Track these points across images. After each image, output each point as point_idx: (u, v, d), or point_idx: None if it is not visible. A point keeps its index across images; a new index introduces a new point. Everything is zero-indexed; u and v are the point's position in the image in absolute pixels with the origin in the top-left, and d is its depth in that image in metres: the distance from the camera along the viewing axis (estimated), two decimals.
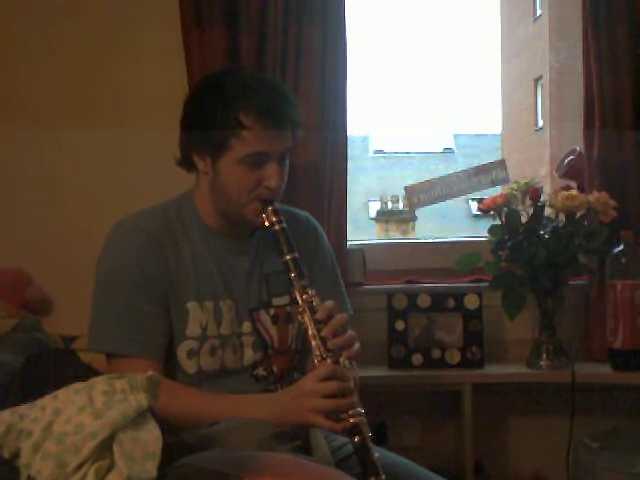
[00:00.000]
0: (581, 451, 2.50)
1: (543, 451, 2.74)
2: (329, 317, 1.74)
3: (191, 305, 1.87)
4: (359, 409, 1.68)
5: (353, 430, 1.67)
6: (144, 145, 2.67)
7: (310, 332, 1.74)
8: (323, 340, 1.73)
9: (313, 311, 1.75)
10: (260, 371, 1.92)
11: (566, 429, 2.57)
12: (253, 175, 1.82)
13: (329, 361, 1.72)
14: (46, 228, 2.77)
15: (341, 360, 1.73)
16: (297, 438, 1.65)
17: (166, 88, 2.71)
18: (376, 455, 1.66)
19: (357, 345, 1.78)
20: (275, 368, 1.94)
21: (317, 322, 1.74)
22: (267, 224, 1.83)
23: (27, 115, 2.81)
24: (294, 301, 1.80)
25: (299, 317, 1.78)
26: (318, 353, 1.73)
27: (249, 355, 1.91)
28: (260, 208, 1.84)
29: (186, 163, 1.91)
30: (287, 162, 1.89)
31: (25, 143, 2.77)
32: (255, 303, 1.94)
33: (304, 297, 1.76)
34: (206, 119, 1.83)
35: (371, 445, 1.66)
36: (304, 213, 2.12)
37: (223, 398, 1.81)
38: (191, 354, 1.86)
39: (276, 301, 1.96)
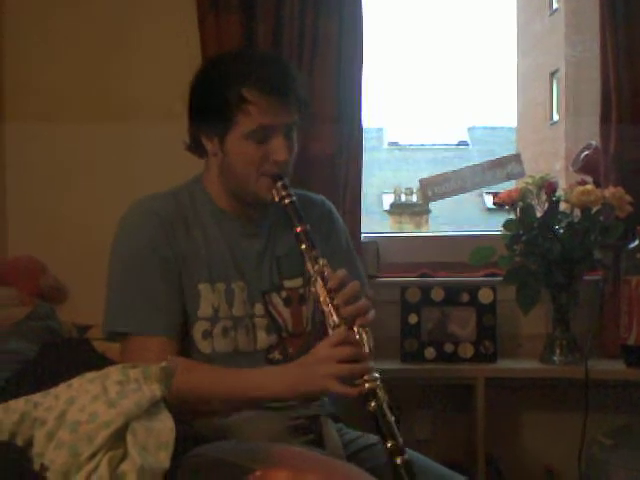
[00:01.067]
0: (594, 448, 2.48)
1: (555, 447, 2.74)
2: (341, 285, 1.72)
3: (203, 286, 1.87)
4: (375, 374, 1.65)
5: (368, 395, 1.63)
6: (156, 133, 2.68)
7: (322, 299, 1.72)
8: (336, 308, 1.70)
9: (325, 280, 1.73)
10: (276, 355, 1.91)
11: (579, 425, 2.55)
12: (260, 150, 1.81)
13: (342, 328, 1.70)
14: (60, 217, 2.79)
15: (355, 328, 1.70)
16: (310, 432, 1.65)
17: (181, 74, 2.71)
18: (393, 419, 1.62)
19: (372, 313, 1.75)
20: (291, 351, 1.93)
21: (329, 291, 1.71)
22: (277, 199, 1.82)
23: (39, 108, 2.83)
24: (307, 282, 1.79)
25: (312, 288, 1.76)
26: (331, 321, 1.71)
27: (263, 338, 1.91)
28: (270, 184, 1.83)
29: (195, 147, 1.92)
30: (294, 136, 1.87)
31: (37, 135, 2.79)
32: (267, 285, 1.93)
33: (315, 268, 1.74)
34: (211, 99, 1.83)
35: (387, 410, 1.62)
36: (320, 197, 2.11)
37: (236, 372, 1.80)
38: (205, 335, 1.86)
39: (287, 283, 1.95)
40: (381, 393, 1.64)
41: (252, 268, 1.92)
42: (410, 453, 1.86)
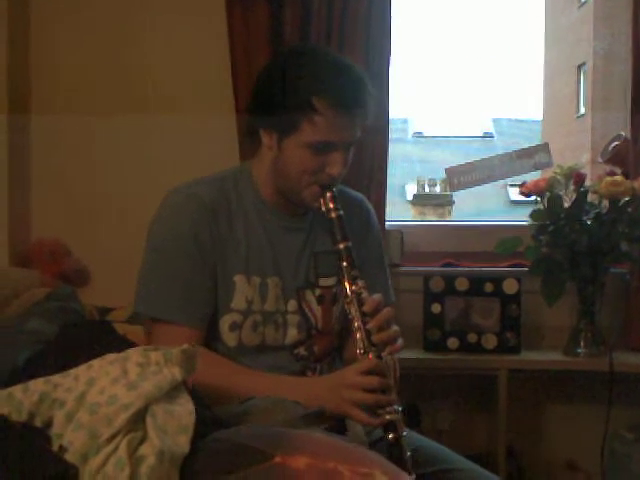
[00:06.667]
0: (616, 442, 2.47)
1: (578, 440, 2.72)
2: (376, 310, 1.72)
3: (238, 278, 1.86)
4: (396, 406, 1.68)
5: (389, 427, 1.66)
6: (183, 123, 2.66)
7: (356, 324, 1.72)
8: (368, 333, 1.71)
9: (361, 303, 1.73)
10: (301, 351, 1.91)
11: (602, 419, 2.54)
12: (317, 160, 1.79)
13: (372, 355, 1.70)
14: (85, 202, 2.80)
15: (383, 355, 1.71)
16: (327, 421, 1.64)
17: (210, 65, 2.70)
18: (408, 454, 1.65)
19: (400, 341, 1.77)
20: (316, 348, 1.93)
21: (363, 314, 1.72)
22: (324, 209, 1.81)
23: (68, 99, 2.83)
24: (340, 284, 1.78)
25: (346, 307, 1.76)
26: (362, 346, 1.71)
27: (292, 334, 1.90)
28: (319, 192, 1.81)
29: (250, 135, 1.90)
30: (352, 150, 1.85)
31: (63, 122, 2.79)
32: (302, 282, 1.92)
33: (353, 288, 1.74)
34: (278, 96, 1.79)
35: (405, 444, 1.65)
36: (360, 196, 2.09)
37: (261, 376, 1.81)
38: (234, 327, 1.85)
39: (322, 282, 1.94)
40: (400, 426, 1.67)
41: (290, 264, 1.91)
42: (429, 443, 1.86)
